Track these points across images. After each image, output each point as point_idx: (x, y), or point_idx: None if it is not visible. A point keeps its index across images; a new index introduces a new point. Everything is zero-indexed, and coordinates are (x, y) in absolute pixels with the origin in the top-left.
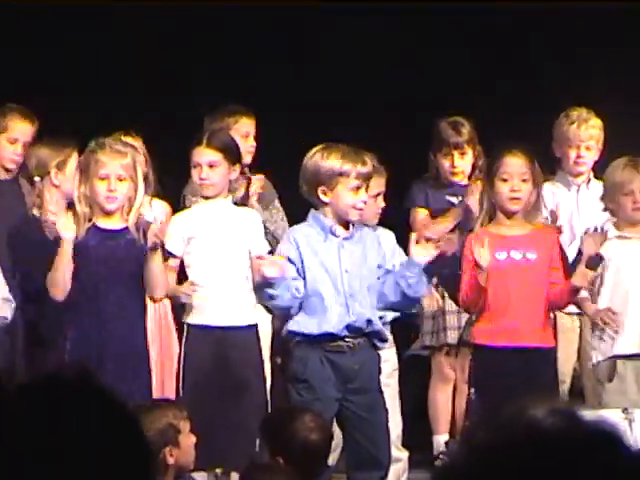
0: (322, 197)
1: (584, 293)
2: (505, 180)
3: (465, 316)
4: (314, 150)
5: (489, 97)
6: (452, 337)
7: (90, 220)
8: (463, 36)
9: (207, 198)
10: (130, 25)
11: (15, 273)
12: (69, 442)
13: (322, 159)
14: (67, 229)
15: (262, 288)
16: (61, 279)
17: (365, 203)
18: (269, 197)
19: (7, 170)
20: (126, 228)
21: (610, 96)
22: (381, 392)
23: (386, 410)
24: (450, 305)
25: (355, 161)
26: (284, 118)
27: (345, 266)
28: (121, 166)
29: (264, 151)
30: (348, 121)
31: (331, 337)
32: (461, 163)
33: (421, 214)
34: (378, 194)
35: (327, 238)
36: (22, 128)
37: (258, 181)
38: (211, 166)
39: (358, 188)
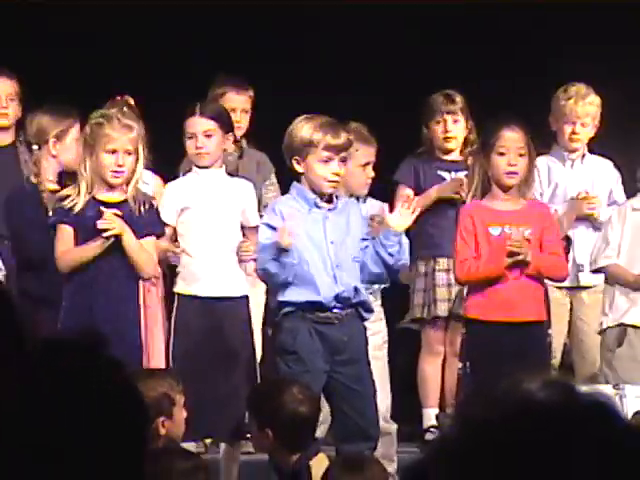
0: (297, 167)
1: (612, 257)
2: (502, 154)
3: (456, 289)
4: (296, 120)
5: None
6: (442, 309)
7: (89, 192)
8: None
9: (202, 168)
10: None
11: (8, 240)
12: (76, 405)
13: (296, 129)
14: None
15: (262, 264)
16: (77, 263)
17: (338, 175)
18: (265, 172)
19: (2, 129)
20: (125, 201)
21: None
22: (369, 364)
23: (373, 382)
24: (440, 278)
25: (326, 132)
26: (283, 92)
27: (331, 237)
28: (129, 140)
29: (261, 124)
30: (350, 97)
31: (320, 307)
32: (454, 128)
33: (405, 191)
34: (367, 164)
35: (311, 210)
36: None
37: None
38: (207, 135)
39: (329, 160)
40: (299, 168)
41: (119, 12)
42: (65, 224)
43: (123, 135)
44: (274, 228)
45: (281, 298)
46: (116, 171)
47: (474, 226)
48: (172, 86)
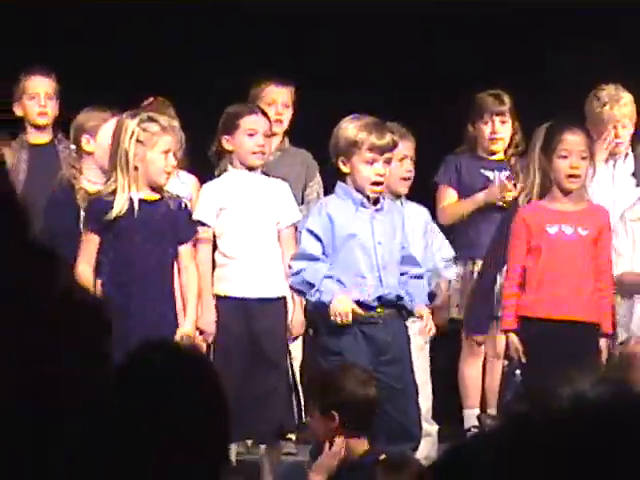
0: (342, 167)
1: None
2: (565, 157)
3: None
4: (342, 120)
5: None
6: None
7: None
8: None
9: (251, 169)
10: None
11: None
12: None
13: (341, 129)
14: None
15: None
16: None
17: (382, 176)
18: (310, 171)
19: (41, 128)
20: (162, 198)
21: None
22: (411, 363)
23: (415, 382)
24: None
25: (370, 132)
26: (330, 92)
27: (378, 238)
28: (176, 141)
29: (309, 123)
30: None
31: (364, 307)
32: (502, 129)
33: (450, 196)
34: (403, 157)
35: (358, 209)
36: (38, 82)
37: None
38: (267, 136)
39: (373, 161)
40: (345, 169)
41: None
42: (93, 232)
43: (173, 137)
44: (317, 236)
45: (325, 299)
46: (169, 172)
47: (528, 231)
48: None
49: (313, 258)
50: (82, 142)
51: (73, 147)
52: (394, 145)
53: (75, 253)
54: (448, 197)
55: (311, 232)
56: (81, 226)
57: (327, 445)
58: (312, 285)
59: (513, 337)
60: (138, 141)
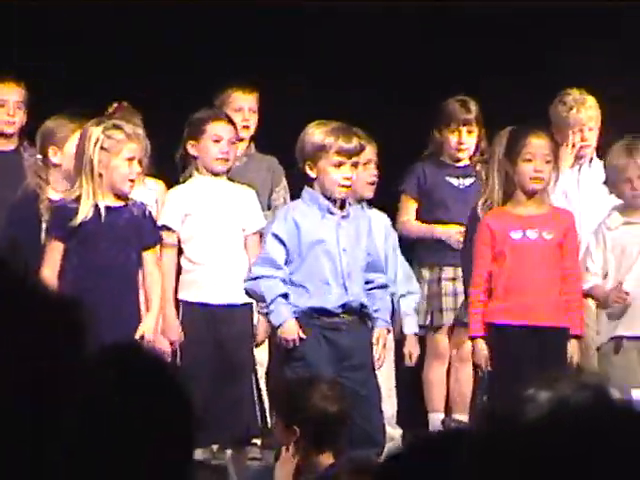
0: (309, 172)
1: (595, 281)
2: (529, 160)
3: (462, 298)
4: (308, 125)
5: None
6: (448, 318)
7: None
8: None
9: (215, 175)
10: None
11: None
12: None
13: (308, 134)
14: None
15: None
16: None
17: (349, 179)
18: (276, 176)
19: (7, 136)
20: (126, 205)
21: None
22: (374, 369)
23: (379, 387)
24: (446, 287)
25: (337, 136)
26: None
27: (343, 245)
28: (141, 148)
29: (273, 129)
30: (363, 99)
31: (327, 313)
32: (468, 140)
33: (411, 207)
34: (367, 162)
35: (324, 216)
36: (7, 89)
37: None
38: (232, 142)
39: (340, 164)
40: (312, 173)
41: (115, 12)
42: (57, 240)
43: (138, 144)
44: (282, 241)
45: (275, 321)
46: (133, 180)
47: (493, 236)
48: (169, 89)
49: (275, 265)
50: (49, 153)
51: (39, 156)
52: (361, 149)
53: (37, 262)
54: (409, 207)
55: (276, 236)
56: (43, 236)
57: (284, 450)
58: (264, 299)
59: (481, 343)
60: (102, 148)
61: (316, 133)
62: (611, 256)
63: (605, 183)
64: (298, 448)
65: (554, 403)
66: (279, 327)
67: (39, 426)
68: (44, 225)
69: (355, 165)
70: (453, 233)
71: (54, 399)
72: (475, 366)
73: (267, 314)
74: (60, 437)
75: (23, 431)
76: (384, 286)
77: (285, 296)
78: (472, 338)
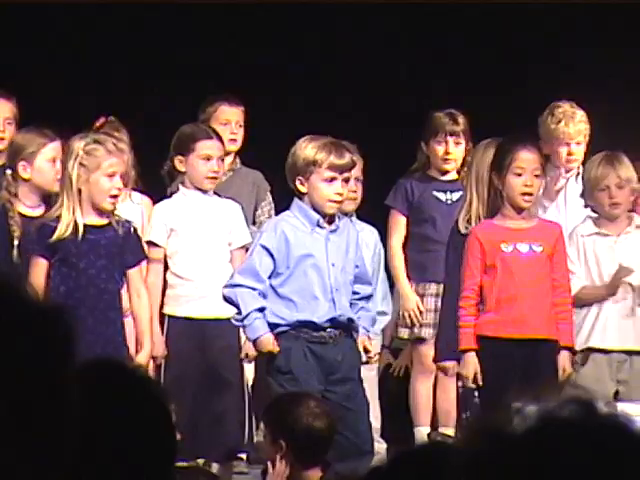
0: (300, 187)
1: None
2: (519, 175)
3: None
4: (299, 140)
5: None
6: (428, 333)
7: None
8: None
9: (197, 190)
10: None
11: None
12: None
13: (300, 149)
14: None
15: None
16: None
17: (341, 195)
18: (261, 192)
19: None
20: (109, 224)
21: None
22: (361, 382)
23: (366, 400)
24: (429, 302)
25: (329, 152)
26: (280, 110)
27: (332, 259)
28: (124, 163)
29: (258, 142)
30: (348, 115)
31: (314, 327)
32: (455, 151)
33: (400, 223)
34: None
35: (314, 230)
36: None
37: None
38: (221, 159)
39: (332, 179)
40: (302, 188)
41: (102, 26)
42: (41, 257)
43: (120, 159)
44: (269, 251)
45: (272, 319)
46: (115, 195)
47: (482, 249)
48: (155, 104)
49: (257, 278)
50: (19, 169)
51: (9, 171)
52: (353, 165)
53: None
54: (399, 223)
55: (265, 248)
56: (14, 252)
57: (270, 466)
58: (239, 309)
59: (472, 357)
60: (81, 164)
61: (308, 148)
62: (593, 263)
63: (582, 195)
64: (285, 463)
65: (542, 416)
66: (255, 341)
67: (26, 435)
68: (16, 241)
69: (346, 180)
70: (413, 306)
71: (44, 409)
72: (459, 379)
73: (243, 326)
74: (45, 448)
75: (8, 439)
76: (369, 296)
77: (261, 310)
78: (464, 351)
